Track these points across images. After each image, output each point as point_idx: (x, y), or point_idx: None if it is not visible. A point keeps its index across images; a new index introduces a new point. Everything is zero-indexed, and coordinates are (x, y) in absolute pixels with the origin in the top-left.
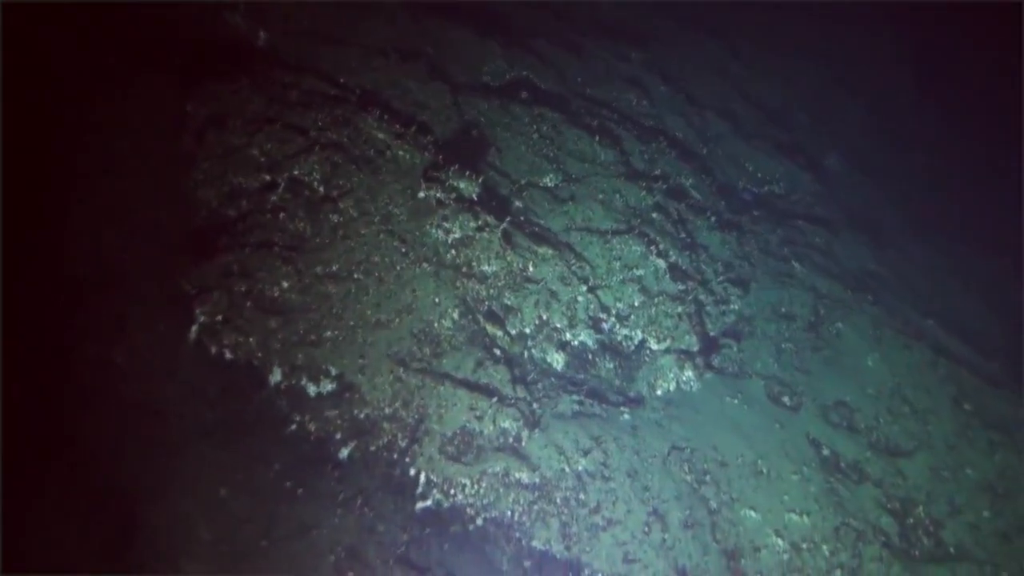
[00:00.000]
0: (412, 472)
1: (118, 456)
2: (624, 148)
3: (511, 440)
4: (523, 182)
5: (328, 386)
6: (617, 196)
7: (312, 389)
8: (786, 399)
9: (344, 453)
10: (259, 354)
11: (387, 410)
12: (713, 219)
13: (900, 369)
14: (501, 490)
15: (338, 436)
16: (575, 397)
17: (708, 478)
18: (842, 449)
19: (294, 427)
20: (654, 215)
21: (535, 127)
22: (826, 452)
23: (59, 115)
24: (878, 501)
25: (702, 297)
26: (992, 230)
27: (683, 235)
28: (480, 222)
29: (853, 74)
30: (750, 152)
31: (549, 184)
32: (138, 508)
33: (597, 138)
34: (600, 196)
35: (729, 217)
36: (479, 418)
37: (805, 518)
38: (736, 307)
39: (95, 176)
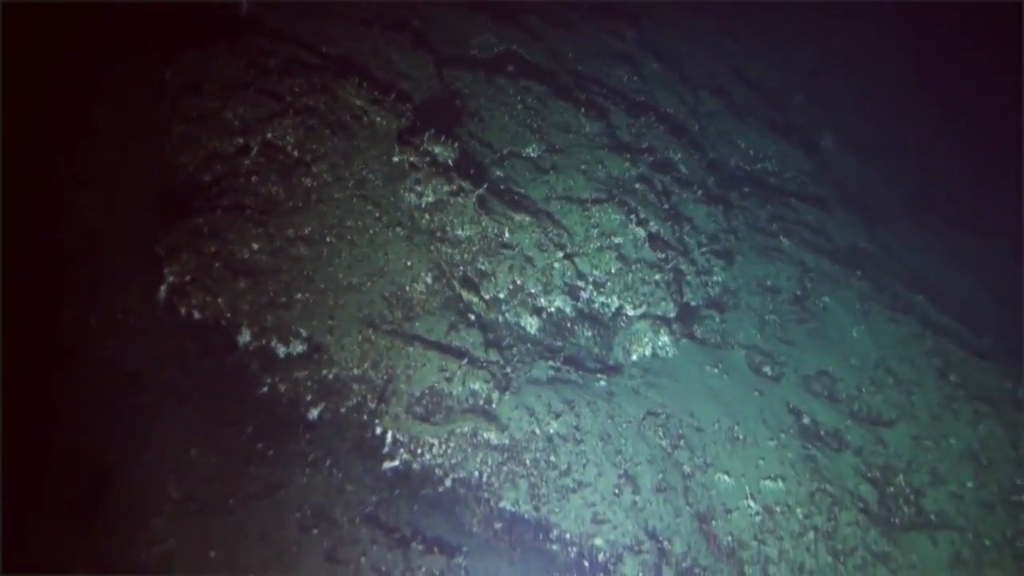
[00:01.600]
0: (379, 431)
1: (93, 418)
2: (611, 121)
3: (481, 402)
4: (505, 151)
5: (298, 347)
6: (600, 166)
7: (282, 350)
8: (767, 369)
9: (314, 414)
10: (228, 314)
11: (356, 371)
12: (700, 193)
13: (886, 342)
14: (469, 450)
15: (308, 398)
16: (551, 363)
17: (683, 443)
18: (822, 418)
19: (265, 389)
20: (637, 186)
21: (520, 98)
22: (806, 420)
23: (38, 83)
24: (857, 469)
25: (683, 267)
26: (988, 212)
27: (666, 206)
28: (455, 187)
29: (852, 59)
30: (743, 130)
31: (531, 154)
32: (110, 467)
33: (583, 110)
34: (583, 166)
35: (717, 192)
36: (448, 379)
37: (780, 483)
38: (720, 279)
39: (74, 143)
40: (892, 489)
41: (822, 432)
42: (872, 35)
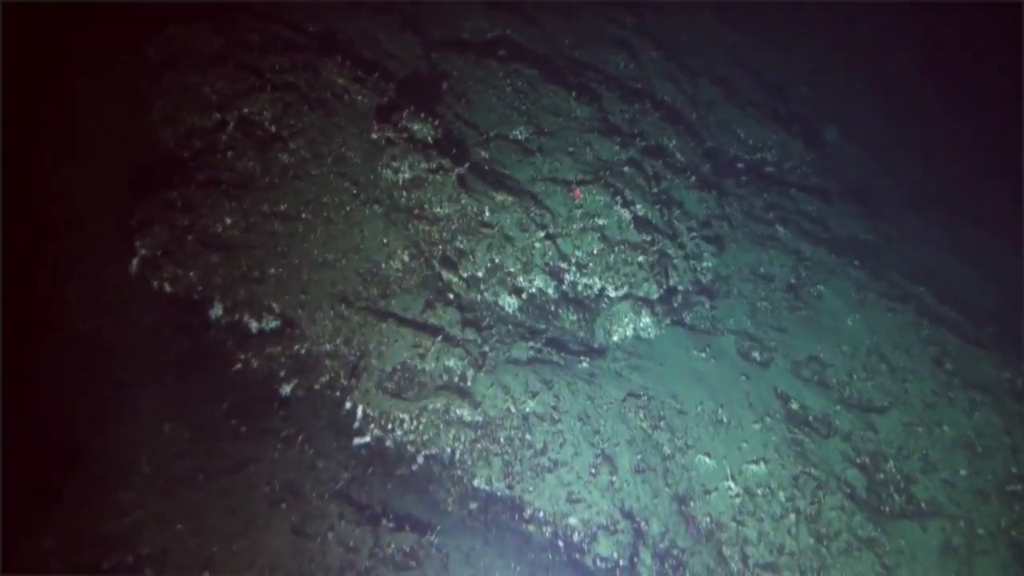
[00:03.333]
0: (349, 406)
1: (69, 391)
2: (603, 106)
3: (456, 379)
4: (492, 134)
5: (271, 323)
6: (588, 149)
7: (254, 325)
8: (756, 354)
9: (287, 390)
10: (200, 288)
11: (328, 347)
12: (693, 179)
13: (880, 330)
14: (442, 427)
15: (281, 373)
16: (532, 344)
17: (663, 424)
18: (811, 403)
19: (239, 366)
20: (626, 169)
21: (509, 82)
22: (795, 406)
23: (20, 57)
24: (845, 454)
25: (670, 251)
26: (991, 205)
27: (656, 190)
28: (434, 164)
29: (857, 51)
30: (743, 119)
31: (519, 136)
32: (83, 440)
33: (574, 94)
34: (570, 149)
35: (712, 179)
36: (421, 356)
37: (762, 465)
38: (710, 264)
39: (55, 116)
40: (881, 475)
41: (810, 417)
42: (880, 25)
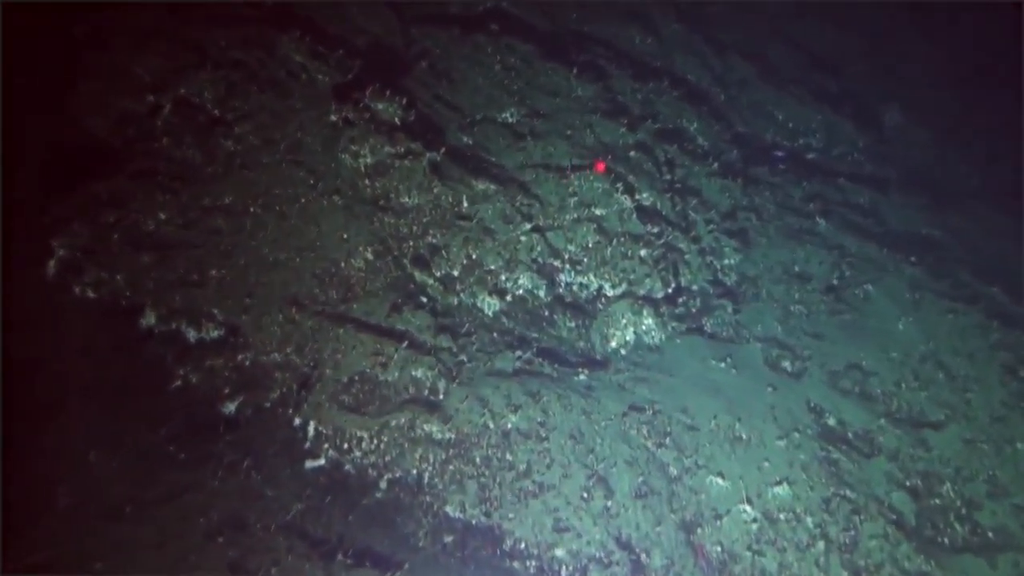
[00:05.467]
0: (298, 422)
1: None
2: (611, 85)
3: (424, 391)
4: (477, 116)
5: (212, 332)
6: (588, 132)
7: (192, 335)
8: (787, 364)
9: (231, 408)
10: (128, 293)
11: (277, 357)
12: (715, 165)
13: (938, 334)
14: (406, 445)
15: (225, 390)
16: (519, 354)
17: (669, 441)
18: (850, 417)
19: (178, 383)
20: (632, 154)
21: (499, 58)
22: (830, 420)
23: None
24: (890, 475)
25: (681, 244)
26: None
27: (668, 178)
28: (401, 148)
29: (926, 18)
30: (782, 100)
31: (508, 119)
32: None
33: (575, 71)
34: (568, 132)
35: (739, 166)
36: (383, 365)
37: (786, 487)
38: (732, 262)
39: None
40: (936, 500)
41: (849, 434)
42: None
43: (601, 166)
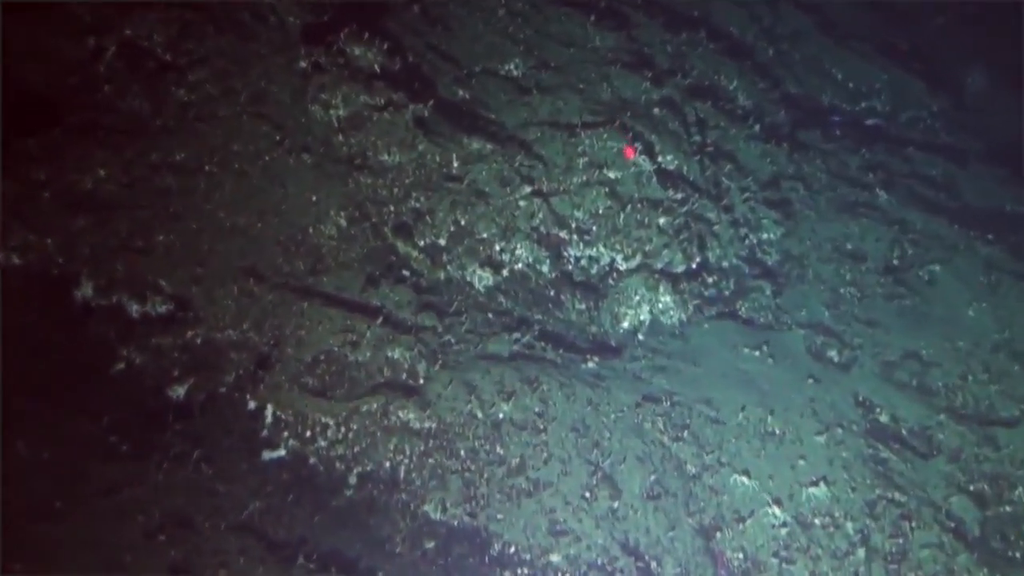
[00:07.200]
0: (253, 407)
1: None
2: (635, 35)
3: (401, 375)
4: (476, 68)
5: (159, 306)
6: (604, 86)
7: (135, 309)
8: (833, 353)
9: (180, 393)
10: (60, 260)
11: (232, 334)
12: (757, 128)
13: (1016, 322)
14: (379, 434)
15: (174, 372)
16: (517, 336)
17: (688, 435)
18: (905, 412)
19: (121, 364)
20: (655, 111)
21: (503, 3)
22: (882, 416)
23: None
24: (950, 478)
25: (710, 214)
26: None
27: (696, 139)
28: (380, 100)
29: None
30: (842, 56)
31: (513, 72)
32: None
33: (593, 17)
34: (580, 86)
35: (786, 130)
36: (353, 344)
37: (823, 487)
38: (772, 236)
39: None
40: (1007, 508)
41: (903, 430)
42: None
43: (630, 152)
